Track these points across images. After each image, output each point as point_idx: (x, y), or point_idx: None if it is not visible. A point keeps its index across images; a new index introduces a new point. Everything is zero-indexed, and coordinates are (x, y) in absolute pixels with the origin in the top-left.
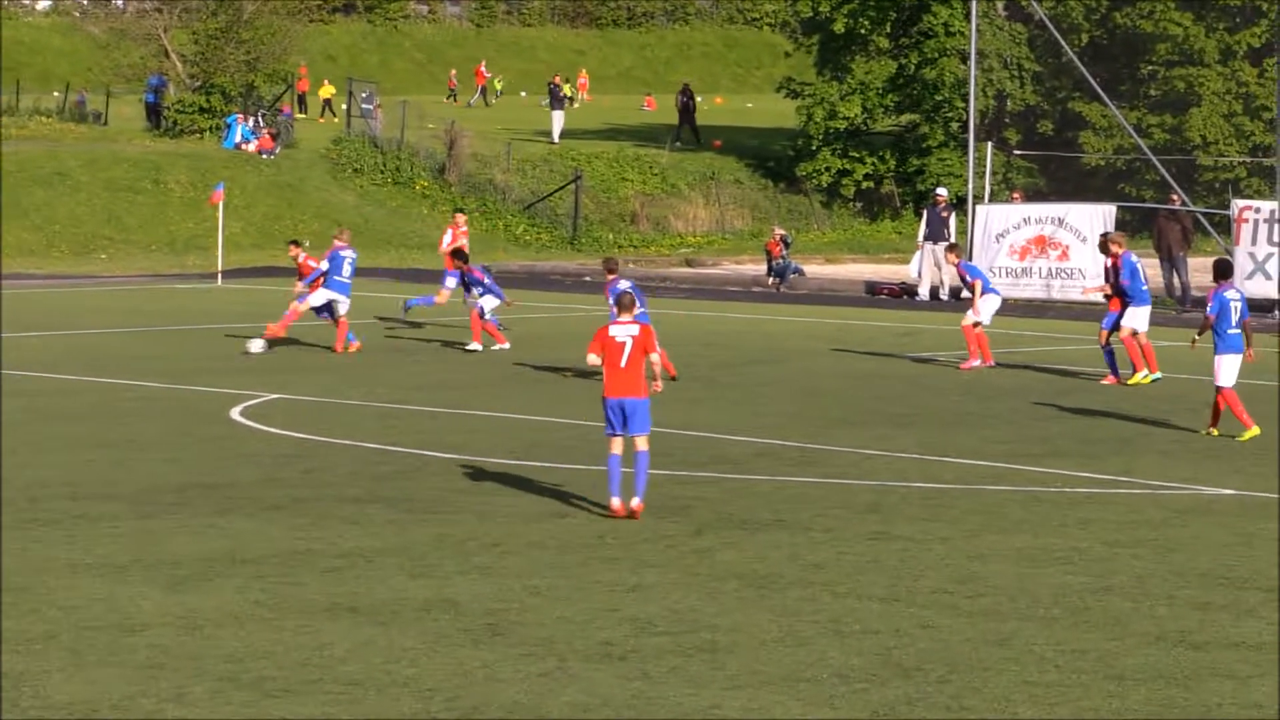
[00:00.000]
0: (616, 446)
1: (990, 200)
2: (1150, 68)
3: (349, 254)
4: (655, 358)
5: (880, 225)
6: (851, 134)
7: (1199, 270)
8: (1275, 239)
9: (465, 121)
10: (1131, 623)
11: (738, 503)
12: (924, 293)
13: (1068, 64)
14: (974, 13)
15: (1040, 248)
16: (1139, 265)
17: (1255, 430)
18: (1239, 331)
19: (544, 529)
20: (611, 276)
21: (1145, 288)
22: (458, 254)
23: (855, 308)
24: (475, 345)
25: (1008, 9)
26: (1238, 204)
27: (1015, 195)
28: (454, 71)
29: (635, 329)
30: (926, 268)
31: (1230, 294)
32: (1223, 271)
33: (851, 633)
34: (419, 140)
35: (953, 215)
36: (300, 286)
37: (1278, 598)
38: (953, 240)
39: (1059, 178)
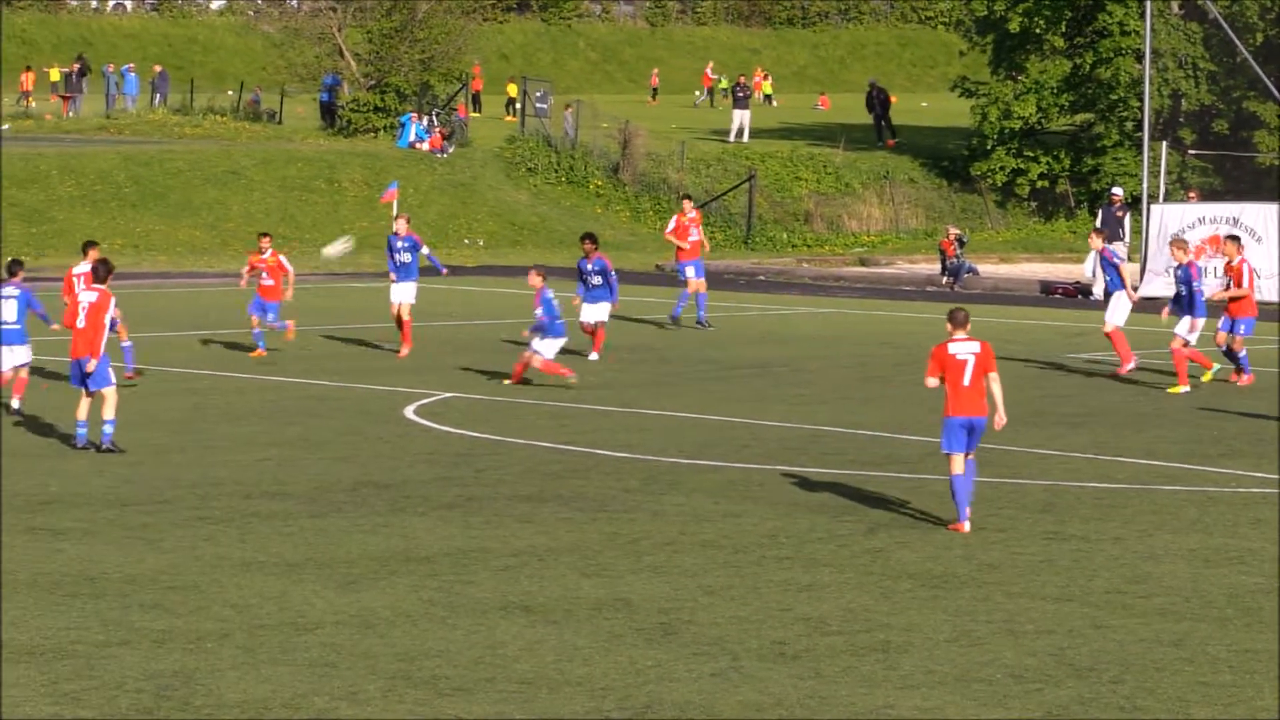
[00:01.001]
0: (958, 465)
1: (1165, 200)
2: None
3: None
4: (996, 378)
5: (1055, 225)
6: (1026, 133)
7: None
8: None
9: (642, 120)
10: None
11: (911, 502)
12: (1098, 292)
13: (1242, 63)
14: (1149, 11)
15: (1216, 247)
16: (1188, 276)
17: None
18: None
19: (717, 528)
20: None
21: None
22: (589, 236)
23: (1030, 307)
24: (594, 355)
25: (1183, 8)
26: None
27: (1191, 195)
28: (655, 70)
29: (976, 346)
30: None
31: None
32: None
33: (1025, 632)
34: (593, 139)
35: (1128, 215)
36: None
37: None
38: (1127, 239)
39: (1234, 177)
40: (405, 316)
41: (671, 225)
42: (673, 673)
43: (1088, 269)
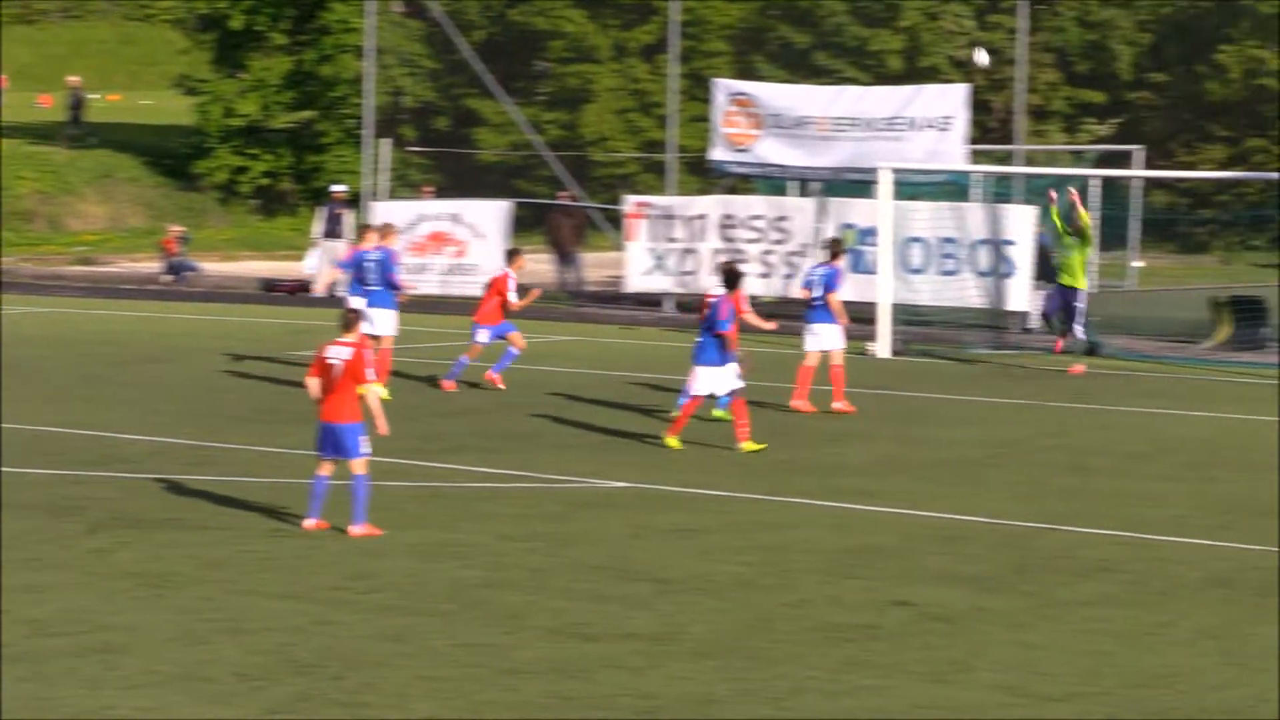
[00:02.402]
0: (325, 469)
1: (391, 197)
2: (545, 64)
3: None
4: (370, 389)
5: (277, 222)
6: (249, 131)
7: (591, 265)
8: (669, 234)
9: None
10: (527, 616)
11: (133, 502)
12: (320, 289)
13: (464, 61)
14: (371, 9)
15: (438, 244)
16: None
17: (673, 442)
18: (709, 339)
19: None
20: None
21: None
22: None
23: (252, 304)
24: None
25: (406, 5)
26: (630, 200)
27: (426, 190)
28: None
29: (348, 351)
30: (323, 264)
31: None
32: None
33: (249, 630)
34: None
35: (349, 212)
36: None
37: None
38: (348, 236)
39: (455, 174)
40: None
41: None
42: None
43: (309, 266)
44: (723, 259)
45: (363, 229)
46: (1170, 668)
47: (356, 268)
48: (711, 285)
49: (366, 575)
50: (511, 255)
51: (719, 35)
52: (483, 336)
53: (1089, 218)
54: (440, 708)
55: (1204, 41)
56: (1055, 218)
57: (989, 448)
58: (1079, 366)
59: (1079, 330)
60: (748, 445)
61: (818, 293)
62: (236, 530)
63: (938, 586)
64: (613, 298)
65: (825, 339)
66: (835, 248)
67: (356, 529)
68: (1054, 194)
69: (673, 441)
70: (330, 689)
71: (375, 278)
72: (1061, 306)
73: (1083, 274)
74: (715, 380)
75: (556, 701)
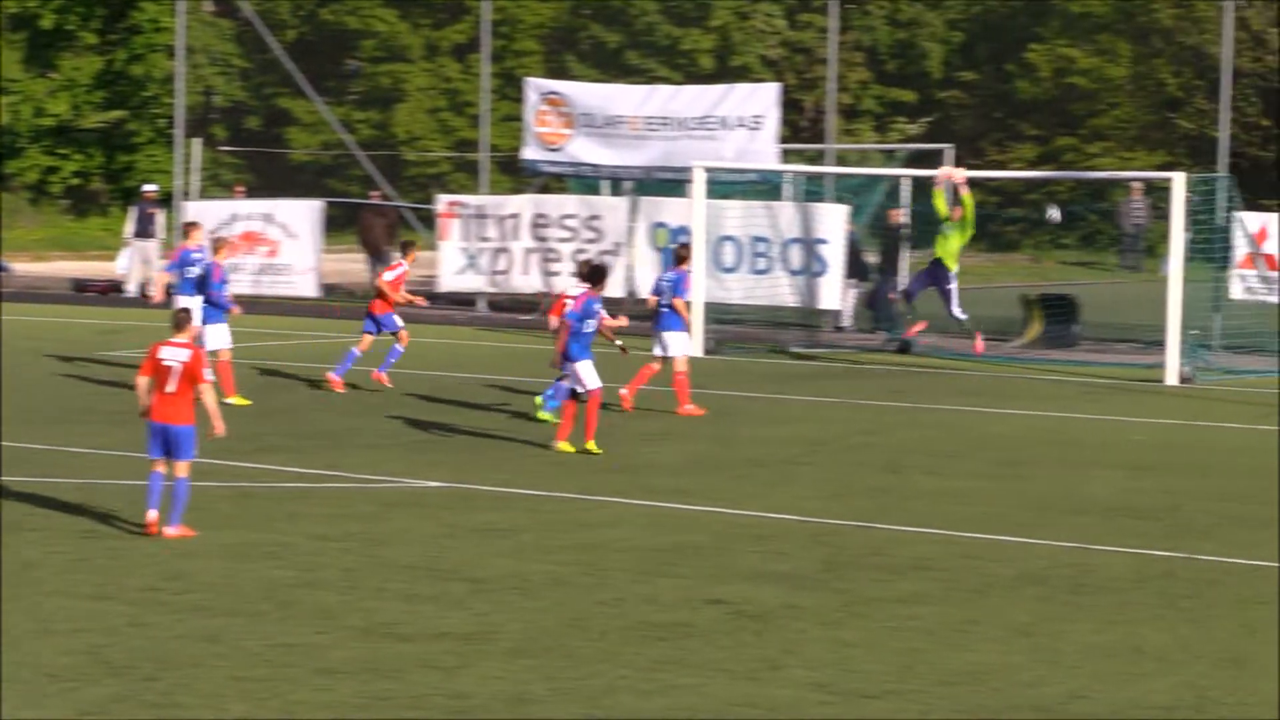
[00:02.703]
0: (160, 465)
1: (202, 196)
2: (356, 63)
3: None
4: (207, 389)
5: (88, 222)
6: (60, 131)
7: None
8: (482, 234)
9: None
10: (341, 616)
11: None
12: (132, 289)
13: (275, 60)
14: (182, 9)
15: (250, 244)
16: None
17: (567, 447)
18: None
19: None
20: None
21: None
22: None
23: (63, 305)
24: None
25: (216, 5)
26: (443, 199)
27: (238, 190)
28: None
29: (186, 353)
30: (135, 264)
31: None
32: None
33: (60, 631)
34: None
35: (161, 212)
36: None
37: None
38: (160, 236)
39: (267, 174)
40: None
41: None
42: None
43: (121, 266)
44: (586, 258)
45: (188, 226)
46: (982, 665)
47: (183, 267)
48: (570, 284)
49: (180, 576)
50: (406, 247)
51: (530, 34)
52: (398, 321)
53: (971, 202)
54: (254, 708)
55: (1014, 40)
56: (939, 200)
57: (802, 446)
58: (980, 344)
59: (957, 311)
60: (563, 445)
61: (667, 299)
62: (48, 531)
63: (751, 584)
64: (426, 297)
65: (674, 345)
66: (683, 254)
67: (171, 530)
68: (960, 181)
69: (591, 446)
70: (144, 690)
71: (201, 287)
72: (930, 286)
73: (956, 257)
74: (591, 374)
75: (370, 701)
